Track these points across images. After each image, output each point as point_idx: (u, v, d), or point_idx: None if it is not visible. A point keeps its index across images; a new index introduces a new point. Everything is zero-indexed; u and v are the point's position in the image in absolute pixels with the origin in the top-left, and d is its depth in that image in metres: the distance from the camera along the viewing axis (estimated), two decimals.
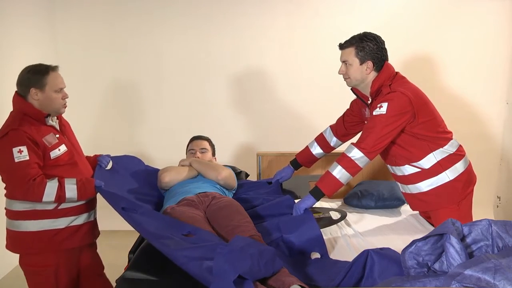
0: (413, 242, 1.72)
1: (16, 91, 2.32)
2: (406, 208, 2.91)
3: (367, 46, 2.33)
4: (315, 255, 2.15)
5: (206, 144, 3.01)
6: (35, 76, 2.27)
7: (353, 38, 2.39)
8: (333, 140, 2.85)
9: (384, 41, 2.38)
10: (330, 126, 2.87)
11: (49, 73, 2.29)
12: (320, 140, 2.87)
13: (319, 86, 4.13)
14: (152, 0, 4.05)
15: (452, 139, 2.41)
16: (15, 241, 2.32)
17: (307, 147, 2.90)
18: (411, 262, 1.66)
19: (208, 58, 4.11)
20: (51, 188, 2.19)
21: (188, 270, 1.72)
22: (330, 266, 2.03)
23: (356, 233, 2.50)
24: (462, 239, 1.67)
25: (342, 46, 2.43)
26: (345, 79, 2.45)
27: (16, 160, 2.13)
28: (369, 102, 2.44)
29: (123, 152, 2.87)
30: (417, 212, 2.86)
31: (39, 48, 3.84)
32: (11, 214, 2.30)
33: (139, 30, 4.08)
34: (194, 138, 3.07)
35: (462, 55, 4.04)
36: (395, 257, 1.77)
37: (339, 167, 2.32)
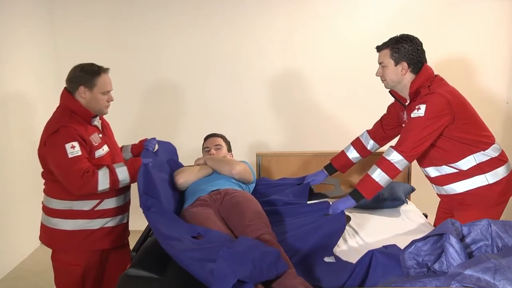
0: (413, 242, 1.72)
1: (65, 87, 2.36)
2: (406, 208, 2.90)
3: (402, 48, 2.32)
4: (330, 258, 2.12)
5: (220, 141, 3.00)
6: (87, 75, 2.31)
7: (389, 40, 2.38)
8: (370, 143, 2.80)
9: (421, 43, 2.36)
10: (367, 131, 2.84)
11: (100, 74, 2.34)
12: (357, 144, 2.83)
13: (319, 86, 4.13)
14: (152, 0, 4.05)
15: (494, 143, 2.36)
16: (49, 237, 2.39)
17: (342, 151, 2.85)
18: (411, 262, 1.67)
19: (208, 57, 4.11)
20: (103, 176, 2.23)
21: (192, 271, 1.73)
22: (341, 268, 2.01)
23: (356, 233, 2.49)
24: (461, 239, 1.67)
25: (378, 48, 2.42)
26: (382, 81, 2.45)
27: (70, 156, 2.17)
28: (406, 103, 2.42)
29: None
30: (417, 212, 2.86)
31: (38, 47, 3.84)
32: (49, 211, 2.37)
33: (139, 29, 4.08)
34: (208, 136, 3.06)
35: (462, 55, 4.04)
36: (399, 256, 1.78)
37: (378, 170, 2.30)
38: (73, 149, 2.18)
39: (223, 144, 2.99)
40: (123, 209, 2.48)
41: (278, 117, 4.19)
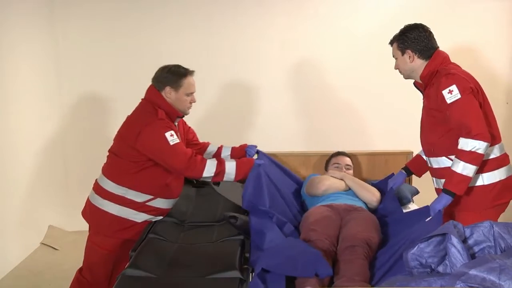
0: (415, 243, 1.72)
1: (152, 84, 2.49)
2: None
3: (406, 37, 2.35)
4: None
5: (350, 161, 3.09)
6: (174, 76, 2.44)
7: (397, 33, 2.42)
8: None
9: (427, 29, 2.37)
10: None
11: (186, 76, 2.46)
12: None
13: (319, 86, 4.12)
14: None
15: (499, 143, 2.33)
16: (94, 216, 2.46)
17: (418, 154, 2.78)
18: (414, 263, 1.66)
19: (208, 57, 4.09)
20: (211, 164, 2.36)
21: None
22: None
23: None
24: (464, 241, 1.67)
25: (390, 43, 2.45)
26: (399, 73, 2.48)
27: (171, 143, 2.31)
28: (424, 88, 2.42)
29: None
30: None
31: (39, 46, 3.84)
32: (100, 191, 2.43)
33: (139, 29, 4.07)
34: (339, 154, 3.15)
35: (462, 55, 4.01)
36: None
37: (462, 163, 2.18)
38: (172, 137, 2.32)
39: (352, 164, 3.08)
40: (167, 212, 2.56)
41: (278, 116, 4.18)
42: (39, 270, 3.44)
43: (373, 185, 2.91)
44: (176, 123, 2.54)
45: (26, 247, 3.69)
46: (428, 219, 2.28)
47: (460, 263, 1.51)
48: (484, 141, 2.16)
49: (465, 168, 2.18)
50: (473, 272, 1.43)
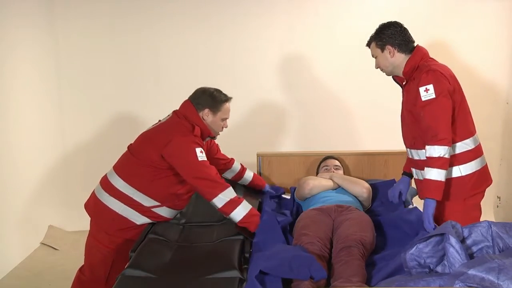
0: (414, 243, 1.72)
1: (189, 101, 2.55)
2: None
3: (383, 35, 2.40)
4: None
5: (338, 163, 3.16)
6: (215, 101, 2.52)
7: (372, 33, 2.47)
8: None
9: (401, 25, 2.42)
10: None
11: (226, 103, 2.54)
12: None
13: (319, 86, 4.12)
14: None
15: (473, 136, 2.40)
16: (96, 210, 2.47)
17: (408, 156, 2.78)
18: (412, 263, 1.67)
19: (208, 57, 4.10)
20: (227, 194, 2.34)
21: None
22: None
23: None
24: (462, 241, 1.67)
25: (367, 44, 2.50)
26: (381, 71, 2.52)
27: (199, 159, 2.35)
28: (404, 83, 2.47)
29: None
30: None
31: (39, 46, 3.84)
32: (108, 187, 2.43)
33: (139, 28, 4.07)
34: (328, 158, 3.22)
35: (462, 55, 4.04)
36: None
37: (435, 170, 2.25)
38: (202, 154, 2.37)
39: (340, 165, 3.13)
40: (168, 220, 2.58)
41: (279, 117, 4.19)
42: (39, 270, 3.45)
43: (371, 184, 2.92)
44: (205, 142, 2.57)
45: (26, 247, 3.70)
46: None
47: (458, 263, 1.52)
48: (448, 146, 2.25)
49: (438, 174, 2.25)
50: (471, 272, 1.43)
